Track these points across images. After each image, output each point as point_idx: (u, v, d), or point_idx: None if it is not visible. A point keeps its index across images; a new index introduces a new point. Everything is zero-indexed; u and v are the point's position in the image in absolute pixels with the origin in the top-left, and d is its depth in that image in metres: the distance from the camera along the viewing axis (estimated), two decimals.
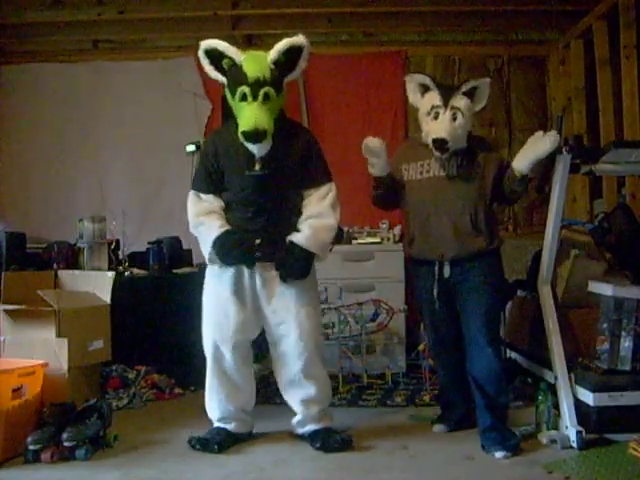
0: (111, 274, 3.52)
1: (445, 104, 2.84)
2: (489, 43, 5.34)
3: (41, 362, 2.92)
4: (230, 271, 2.81)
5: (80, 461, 2.65)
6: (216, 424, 2.92)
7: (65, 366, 3.03)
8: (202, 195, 2.84)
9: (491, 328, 2.85)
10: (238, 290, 2.81)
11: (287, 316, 2.80)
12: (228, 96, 2.80)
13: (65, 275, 3.58)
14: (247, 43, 5.16)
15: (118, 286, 3.54)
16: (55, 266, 3.81)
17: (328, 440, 2.79)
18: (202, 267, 4.33)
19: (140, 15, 4.90)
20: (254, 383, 2.97)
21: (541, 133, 2.82)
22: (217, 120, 5.04)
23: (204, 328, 2.91)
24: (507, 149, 5.28)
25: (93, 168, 5.20)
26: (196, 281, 4.10)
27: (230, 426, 2.89)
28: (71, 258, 3.97)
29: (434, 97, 2.88)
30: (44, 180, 5.21)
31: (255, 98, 2.67)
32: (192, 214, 2.84)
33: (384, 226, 4.61)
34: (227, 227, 2.77)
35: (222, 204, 2.84)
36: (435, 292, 2.88)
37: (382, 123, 5.23)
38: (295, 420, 2.92)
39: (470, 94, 2.88)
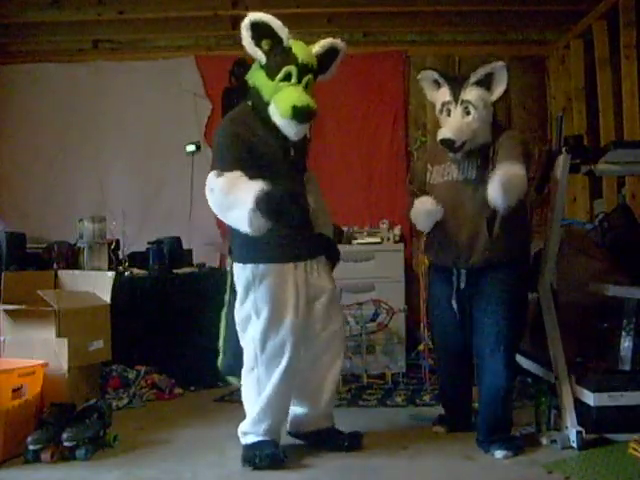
0: (111, 274, 3.52)
1: (455, 99, 2.72)
2: (489, 43, 5.34)
3: (41, 362, 2.91)
4: (290, 269, 2.61)
5: (80, 461, 2.65)
6: (264, 437, 2.66)
7: (65, 366, 3.03)
8: (226, 173, 2.47)
9: (507, 346, 2.70)
10: (297, 290, 2.62)
11: (333, 316, 2.76)
12: (261, 75, 2.60)
13: (65, 275, 3.58)
14: None
15: (118, 286, 3.54)
16: (55, 266, 3.81)
17: (336, 440, 2.78)
18: (202, 267, 4.38)
19: (140, 15, 4.90)
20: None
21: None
22: (217, 120, 5.03)
23: (263, 330, 2.61)
24: None
25: (93, 168, 5.20)
26: (196, 281, 4.14)
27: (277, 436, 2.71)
28: (71, 258, 3.97)
29: (444, 93, 2.78)
30: (44, 180, 5.21)
31: (300, 81, 2.56)
32: (218, 186, 2.44)
33: (384, 226, 4.61)
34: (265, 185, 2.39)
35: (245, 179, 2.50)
36: (454, 303, 2.81)
37: (382, 123, 5.23)
38: (300, 419, 2.87)
39: (484, 82, 2.73)
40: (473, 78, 2.74)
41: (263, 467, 2.53)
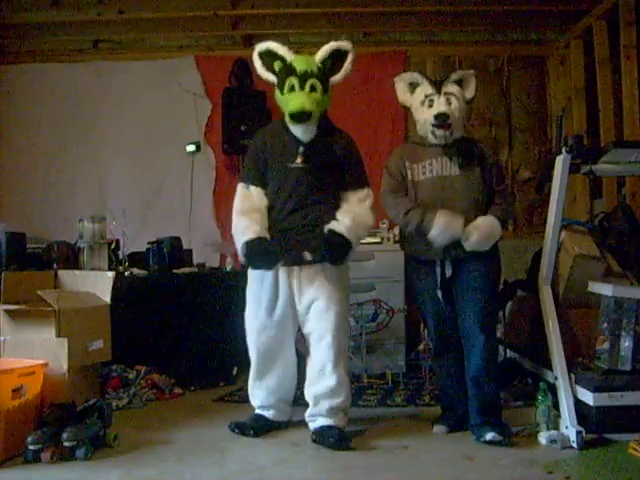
0: (111, 274, 3.51)
1: (438, 91, 2.94)
2: (489, 43, 5.34)
3: (41, 362, 2.91)
4: (270, 272, 2.90)
5: (80, 461, 2.64)
6: (257, 411, 3.04)
7: (65, 366, 3.03)
8: (251, 187, 2.94)
9: (488, 323, 2.88)
10: (277, 291, 2.90)
11: (318, 314, 2.87)
12: (277, 94, 2.93)
13: (65, 275, 3.57)
14: (247, 43, 5.16)
15: (118, 286, 3.53)
16: (55, 266, 3.80)
17: (325, 434, 2.81)
18: (202, 267, 4.38)
19: (140, 15, 4.91)
20: (295, 376, 3.05)
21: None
22: (217, 120, 5.04)
23: (247, 326, 2.99)
24: (507, 149, 5.29)
25: (93, 168, 5.21)
26: (196, 281, 4.14)
27: (269, 413, 3.02)
28: (71, 258, 3.97)
29: (426, 87, 2.98)
30: (44, 180, 5.22)
31: (302, 88, 2.84)
32: (237, 209, 2.93)
33: (384, 226, 4.61)
34: (261, 233, 2.84)
35: (267, 203, 2.93)
36: (440, 293, 2.93)
37: (382, 123, 5.24)
38: (307, 414, 2.95)
39: (460, 83, 2.99)
40: (454, 77, 2.99)
41: (234, 431, 2.95)
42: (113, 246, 4.05)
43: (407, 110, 5.13)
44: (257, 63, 2.93)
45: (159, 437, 2.99)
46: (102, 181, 5.22)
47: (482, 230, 2.82)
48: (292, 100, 2.82)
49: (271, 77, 2.93)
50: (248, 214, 2.90)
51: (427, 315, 3.07)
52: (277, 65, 2.90)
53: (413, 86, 3.04)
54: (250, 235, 2.82)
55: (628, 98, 4.17)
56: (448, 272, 2.91)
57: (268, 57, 2.91)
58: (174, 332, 3.93)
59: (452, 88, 2.95)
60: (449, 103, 2.91)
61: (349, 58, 2.93)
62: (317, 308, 2.88)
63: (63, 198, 5.16)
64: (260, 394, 3.02)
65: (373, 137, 5.22)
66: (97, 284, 3.47)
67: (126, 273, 3.99)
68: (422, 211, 2.86)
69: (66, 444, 2.65)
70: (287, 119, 2.85)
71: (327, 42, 5.43)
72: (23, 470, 2.59)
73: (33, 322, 3.12)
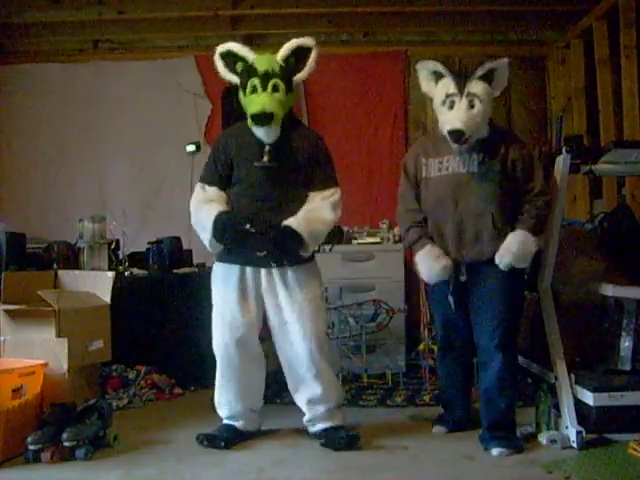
0: (111, 274, 3.52)
1: (460, 91, 2.69)
2: (489, 43, 5.34)
3: (41, 362, 2.91)
4: (235, 271, 2.84)
5: (80, 461, 2.65)
6: (225, 421, 2.95)
7: (65, 366, 3.03)
8: (207, 187, 2.89)
9: (506, 341, 2.73)
10: (243, 290, 2.84)
11: (291, 316, 2.82)
12: (241, 95, 2.87)
13: (65, 275, 3.58)
14: (247, 43, 5.12)
15: (118, 286, 3.54)
16: (55, 266, 3.80)
17: (333, 437, 2.79)
18: (202, 267, 4.37)
19: (140, 15, 4.90)
20: (263, 383, 2.99)
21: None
22: (217, 120, 5.04)
23: (213, 327, 2.92)
24: None
25: (93, 168, 5.21)
26: (196, 281, 4.13)
27: (238, 423, 2.92)
28: (71, 258, 3.97)
29: (448, 84, 2.74)
30: (44, 180, 5.21)
31: (265, 89, 2.77)
32: (193, 203, 2.88)
33: (384, 226, 4.61)
34: (226, 209, 2.80)
35: (225, 198, 2.87)
36: (452, 299, 2.80)
37: (382, 123, 5.23)
38: (305, 419, 2.94)
39: (487, 78, 2.73)
40: (480, 72, 2.72)
41: (203, 444, 2.84)
42: (113, 246, 4.05)
43: (407, 109, 5.24)
44: (219, 64, 2.87)
45: (159, 437, 2.99)
46: (102, 181, 5.22)
47: (515, 252, 2.66)
48: (253, 102, 2.76)
49: (234, 78, 2.87)
50: (207, 202, 2.84)
51: (435, 317, 3.03)
52: (239, 66, 2.84)
53: (437, 75, 2.79)
54: (215, 212, 2.76)
55: (628, 98, 4.16)
56: (463, 277, 2.76)
57: (230, 58, 2.85)
58: (174, 332, 3.93)
59: (477, 87, 2.69)
60: (471, 106, 2.67)
61: (312, 55, 2.82)
62: (291, 313, 2.81)
63: (63, 198, 5.16)
64: (227, 403, 2.92)
65: (373, 137, 5.22)
66: (97, 284, 3.47)
67: (126, 273, 3.99)
68: (417, 237, 2.80)
69: (66, 444, 2.66)
70: (249, 121, 2.78)
71: (327, 42, 5.46)
72: (23, 470, 2.59)
73: (33, 322, 3.13)
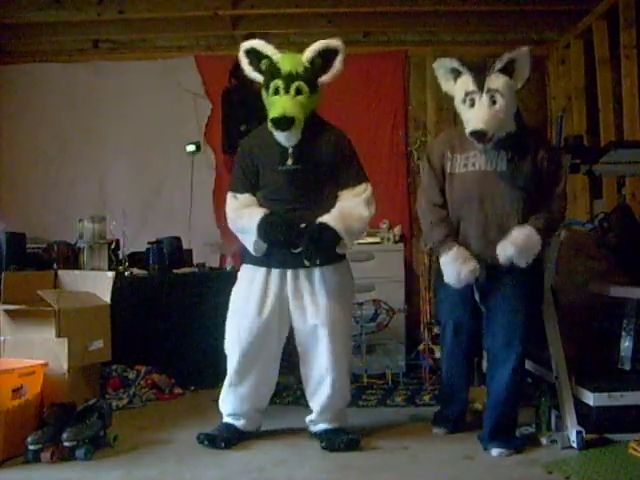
0: (111, 274, 3.51)
1: (480, 87, 2.58)
2: (489, 43, 5.33)
3: (41, 362, 2.91)
4: (261, 272, 2.83)
5: (80, 461, 2.65)
6: (225, 419, 2.94)
7: (65, 366, 3.03)
8: (238, 195, 2.87)
9: (520, 342, 2.69)
10: (265, 291, 2.83)
11: (317, 318, 2.80)
12: (264, 95, 2.83)
13: (65, 275, 3.57)
14: None
15: (118, 286, 3.54)
16: (55, 266, 3.80)
17: (334, 439, 2.79)
18: (202, 267, 4.37)
19: (140, 15, 4.90)
20: (274, 384, 2.98)
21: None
22: (217, 120, 5.04)
23: (230, 327, 2.90)
24: None
25: (93, 168, 5.21)
26: (196, 281, 4.14)
27: (239, 423, 2.91)
28: (71, 258, 3.97)
29: (467, 82, 2.63)
30: (44, 180, 5.21)
31: (287, 91, 2.73)
32: (230, 210, 2.87)
33: (384, 226, 4.61)
34: (268, 212, 2.77)
35: (256, 203, 2.86)
36: (477, 296, 2.74)
37: (382, 123, 5.23)
38: (308, 418, 2.94)
39: (507, 70, 2.61)
40: (499, 64, 2.61)
41: (203, 444, 2.82)
42: (113, 246, 4.05)
43: (407, 109, 5.23)
44: (244, 62, 2.83)
45: (159, 437, 2.99)
46: (102, 181, 5.22)
47: (519, 245, 2.56)
48: (274, 105, 2.72)
49: (258, 77, 2.83)
50: (246, 207, 2.83)
51: (445, 322, 2.96)
52: (264, 64, 2.79)
53: (456, 73, 2.69)
54: (259, 214, 2.75)
55: (628, 98, 4.16)
56: (482, 277, 2.65)
57: (254, 56, 2.81)
58: (174, 332, 3.93)
59: (497, 81, 2.56)
60: (493, 102, 2.56)
61: (339, 57, 2.77)
62: (316, 317, 2.79)
63: (63, 198, 5.16)
64: (234, 401, 2.90)
65: (373, 137, 5.21)
66: (97, 284, 3.47)
67: (126, 273, 3.99)
68: (443, 237, 2.69)
69: (66, 444, 2.66)
70: (269, 124, 2.74)
71: None
72: (23, 470, 2.59)
73: (33, 322, 3.12)
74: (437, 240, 2.73)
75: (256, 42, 2.81)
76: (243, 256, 2.96)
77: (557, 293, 3.17)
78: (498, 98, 2.57)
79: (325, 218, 2.75)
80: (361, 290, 4.18)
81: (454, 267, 2.64)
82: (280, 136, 2.76)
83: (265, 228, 2.71)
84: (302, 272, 2.81)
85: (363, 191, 2.84)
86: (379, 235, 4.56)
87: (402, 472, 2.55)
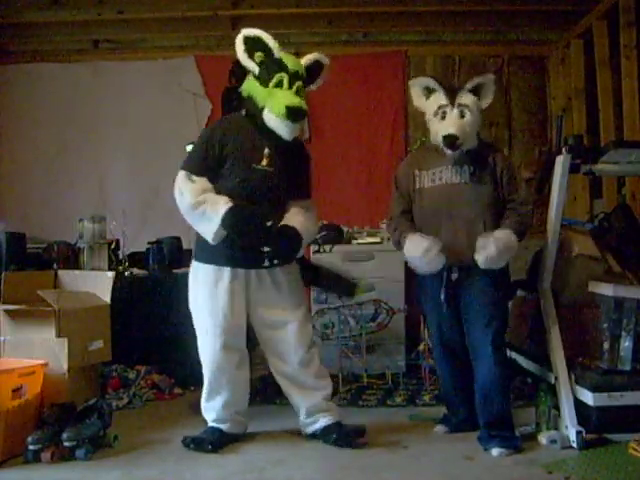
0: (111, 274, 3.51)
1: (452, 102, 2.84)
2: (489, 43, 5.34)
3: (41, 362, 2.91)
4: (227, 273, 2.79)
5: (80, 461, 2.65)
6: (210, 424, 2.92)
7: (65, 366, 3.03)
8: (194, 177, 2.75)
9: (495, 334, 2.79)
10: (233, 292, 2.80)
11: (283, 317, 2.85)
12: (254, 84, 2.79)
13: (65, 275, 3.57)
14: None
15: (118, 286, 3.54)
16: (55, 266, 3.80)
17: (340, 434, 2.80)
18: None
19: (140, 15, 4.91)
20: (248, 386, 2.97)
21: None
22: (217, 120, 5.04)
23: (201, 332, 2.88)
24: (507, 149, 5.28)
25: (93, 168, 5.21)
26: None
27: (224, 426, 2.90)
28: (71, 258, 3.97)
29: (440, 97, 2.88)
30: (44, 180, 5.21)
31: (290, 87, 2.74)
32: (189, 193, 2.72)
33: (384, 226, 4.60)
34: (232, 203, 2.68)
35: (213, 190, 2.75)
36: (442, 296, 2.85)
37: (382, 123, 5.24)
38: (301, 419, 2.93)
39: (476, 91, 2.88)
40: (469, 85, 2.88)
41: (189, 447, 2.81)
42: (113, 246, 4.05)
43: (407, 109, 5.23)
44: (240, 48, 2.77)
45: (159, 437, 2.99)
46: (102, 181, 5.22)
47: (497, 245, 2.69)
48: (285, 96, 2.69)
49: (252, 65, 2.77)
50: (206, 193, 2.71)
51: (430, 323, 3.06)
52: (258, 56, 2.76)
53: (429, 91, 2.95)
54: (225, 203, 2.66)
55: (628, 98, 4.16)
56: (454, 275, 2.82)
57: (253, 44, 2.76)
58: (174, 332, 3.92)
59: (467, 99, 2.85)
60: (462, 116, 2.81)
61: (325, 72, 2.92)
62: (283, 310, 2.84)
63: (63, 198, 5.16)
64: (215, 408, 2.89)
65: (373, 137, 5.22)
66: (97, 284, 3.47)
67: (126, 273, 3.99)
68: (404, 229, 2.87)
69: (66, 444, 2.66)
70: (276, 113, 2.68)
71: (327, 42, 5.47)
72: (23, 470, 2.59)
73: (33, 322, 3.12)
74: (400, 232, 2.89)
75: (260, 32, 2.79)
76: (199, 254, 2.87)
77: (557, 293, 3.18)
78: (467, 113, 2.83)
79: (293, 223, 2.79)
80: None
81: (418, 245, 2.77)
82: (286, 127, 2.72)
83: (232, 219, 2.64)
84: (265, 271, 2.83)
85: (310, 205, 2.94)
86: (379, 235, 4.56)
87: (402, 472, 2.55)
